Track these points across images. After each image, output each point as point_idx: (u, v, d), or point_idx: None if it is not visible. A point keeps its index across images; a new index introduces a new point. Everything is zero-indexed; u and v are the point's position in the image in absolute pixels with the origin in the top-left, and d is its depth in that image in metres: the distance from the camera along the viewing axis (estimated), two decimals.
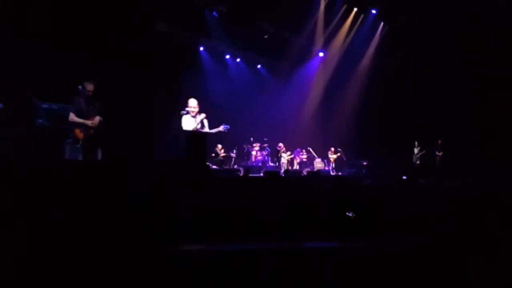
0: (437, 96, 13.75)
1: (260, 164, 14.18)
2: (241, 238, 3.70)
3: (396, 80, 14.44)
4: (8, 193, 3.28)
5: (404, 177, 9.55)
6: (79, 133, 6.27)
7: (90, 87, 6.38)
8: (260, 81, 16.88)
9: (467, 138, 12.57)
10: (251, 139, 14.64)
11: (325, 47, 16.38)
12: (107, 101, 6.50)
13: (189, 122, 7.55)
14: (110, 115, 6.50)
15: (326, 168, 15.60)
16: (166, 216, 3.79)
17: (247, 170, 10.82)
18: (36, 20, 7.49)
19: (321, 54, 16.97)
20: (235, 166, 13.19)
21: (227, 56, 15.75)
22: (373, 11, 15.00)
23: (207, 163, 8.04)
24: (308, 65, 17.24)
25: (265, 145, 14.83)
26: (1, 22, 7.04)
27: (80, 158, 6.19)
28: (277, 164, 14.73)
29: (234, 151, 13.95)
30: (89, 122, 6.32)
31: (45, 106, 7.10)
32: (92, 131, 6.36)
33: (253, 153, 14.65)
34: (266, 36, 14.57)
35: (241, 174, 10.89)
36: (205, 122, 7.68)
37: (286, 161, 15.09)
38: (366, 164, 14.16)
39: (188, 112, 7.57)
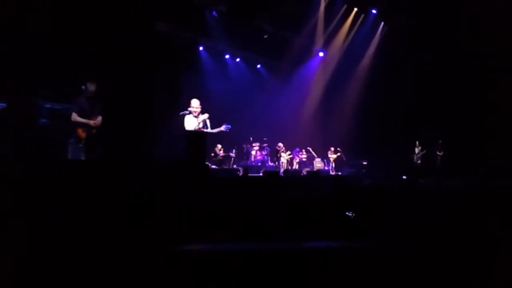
0: (437, 96, 13.75)
1: (259, 164, 14.18)
2: (240, 238, 3.70)
3: (396, 80, 14.44)
4: (8, 193, 3.28)
5: (404, 177, 9.55)
6: (81, 132, 6.35)
7: (92, 87, 6.45)
8: (259, 81, 16.87)
9: (467, 138, 12.56)
10: (251, 138, 14.64)
11: (325, 47, 16.37)
12: (107, 101, 6.53)
13: (192, 122, 7.63)
14: (110, 115, 6.53)
15: (326, 168, 15.59)
16: (166, 216, 3.79)
17: (246, 170, 10.82)
18: (36, 20, 7.51)
19: (321, 54, 16.96)
20: (235, 166, 13.19)
21: (227, 56, 15.74)
22: (373, 11, 14.99)
23: (207, 163, 8.05)
24: (308, 65, 17.23)
25: (265, 145, 14.83)
26: (1, 22, 7.05)
27: (83, 158, 6.25)
28: (276, 164, 14.73)
29: (234, 150, 13.95)
30: (91, 122, 6.39)
31: (48, 106, 7.17)
32: (94, 130, 6.43)
33: (253, 152, 14.65)
34: (266, 36, 14.55)
35: (240, 174, 10.90)
36: (207, 122, 7.75)
37: (285, 161, 15.09)
38: (365, 164, 14.16)
39: (190, 112, 7.65)
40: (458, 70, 12.81)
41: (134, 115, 7.16)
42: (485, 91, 12.04)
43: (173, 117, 8.38)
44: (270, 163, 14.77)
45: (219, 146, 13.08)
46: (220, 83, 14.55)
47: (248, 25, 13.75)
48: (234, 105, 14.14)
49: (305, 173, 12.84)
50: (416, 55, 13.80)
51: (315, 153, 15.98)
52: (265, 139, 14.84)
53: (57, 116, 7.06)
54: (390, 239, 3.74)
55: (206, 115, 7.73)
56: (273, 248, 3.16)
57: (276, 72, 16.80)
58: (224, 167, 12.73)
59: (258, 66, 17.03)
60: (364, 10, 15.05)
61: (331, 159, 15.87)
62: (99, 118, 6.45)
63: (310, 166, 15.56)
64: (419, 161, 14.24)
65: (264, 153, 14.77)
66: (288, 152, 15.38)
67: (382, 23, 15.61)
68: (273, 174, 9.50)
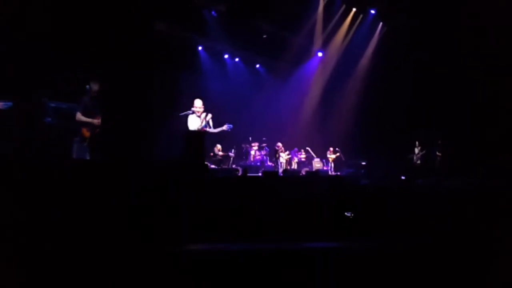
0: (437, 96, 13.74)
1: (258, 163, 14.17)
2: (240, 238, 3.70)
3: (395, 80, 14.43)
4: (8, 192, 3.27)
5: (403, 177, 9.55)
6: (85, 132, 6.42)
7: (96, 86, 6.50)
8: (258, 80, 16.86)
9: (467, 138, 12.56)
10: (250, 138, 14.63)
11: (324, 47, 16.36)
12: (107, 101, 6.54)
13: (195, 122, 7.79)
14: (110, 115, 6.54)
15: (325, 168, 15.60)
16: (165, 216, 3.78)
17: (246, 169, 10.82)
18: (36, 20, 7.52)
19: (320, 54, 16.95)
20: (234, 166, 13.19)
21: (226, 56, 15.72)
22: (372, 11, 15.00)
23: (206, 163, 8.06)
24: (307, 65, 17.22)
25: (264, 144, 14.82)
26: (1, 22, 7.07)
27: (87, 157, 6.33)
28: (275, 163, 14.73)
29: (233, 150, 13.93)
30: (95, 121, 6.45)
31: (53, 105, 7.23)
32: (98, 130, 6.47)
33: (252, 152, 14.64)
34: (265, 36, 14.55)
35: (239, 174, 10.90)
36: (210, 121, 7.92)
37: (284, 161, 15.08)
38: (364, 164, 14.17)
39: (194, 112, 7.82)
40: (458, 70, 12.80)
41: (134, 115, 7.18)
42: (485, 91, 12.03)
43: (173, 117, 8.43)
44: (269, 163, 14.76)
45: (218, 146, 13.07)
46: (219, 83, 14.53)
47: (247, 25, 13.74)
48: (233, 105, 14.11)
49: (304, 173, 12.84)
50: (415, 55, 13.79)
51: (314, 153, 15.98)
52: (264, 139, 14.84)
53: (63, 115, 7.12)
54: (389, 239, 3.74)
55: (209, 115, 7.90)
56: (273, 248, 3.16)
57: (275, 72, 16.80)
58: (223, 167, 12.72)
59: (257, 66, 17.02)
60: (362, 10, 15.05)
61: (330, 159, 15.87)
62: None
63: (309, 166, 15.56)
64: (418, 161, 14.24)
65: (263, 153, 14.76)
66: (287, 152, 15.38)
67: (381, 23, 15.61)
68: (272, 174, 9.51)
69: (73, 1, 7.90)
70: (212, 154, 12.69)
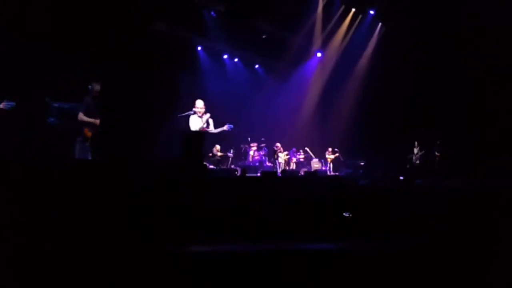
0: (436, 96, 13.74)
1: (257, 164, 14.15)
2: (239, 239, 3.69)
3: (394, 80, 14.43)
4: (9, 192, 3.26)
5: (401, 178, 9.54)
6: (87, 132, 6.49)
7: (98, 87, 6.54)
8: (258, 81, 16.86)
9: (467, 138, 12.56)
10: (249, 139, 14.62)
11: (323, 47, 16.37)
12: (107, 101, 6.57)
13: (196, 122, 7.95)
14: (110, 115, 6.56)
15: (324, 168, 15.59)
16: (165, 216, 3.77)
17: (244, 170, 10.80)
18: (36, 20, 7.55)
19: (319, 55, 16.96)
20: (233, 166, 13.18)
21: (225, 56, 15.72)
22: (371, 12, 15.00)
23: (205, 163, 8.06)
24: (306, 65, 17.23)
25: (263, 145, 14.80)
26: (1, 22, 7.09)
27: (89, 157, 6.40)
28: (273, 164, 14.71)
29: (232, 151, 13.92)
30: (97, 121, 6.48)
31: (56, 105, 7.28)
32: (100, 130, 6.47)
33: (251, 153, 14.62)
34: (264, 36, 14.55)
35: (238, 174, 10.88)
36: (210, 121, 8.04)
37: (283, 161, 15.07)
38: (363, 165, 14.17)
39: (195, 113, 7.98)
40: (457, 70, 12.80)
41: (133, 115, 7.17)
42: (485, 91, 12.03)
43: (172, 117, 8.48)
44: (268, 163, 14.75)
45: (217, 146, 13.06)
46: (218, 83, 14.53)
47: (246, 25, 13.74)
48: (232, 105, 14.11)
49: (302, 173, 12.83)
50: (414, 55, 13.80)
51: (313, 153, 15.98)
52: (263, 139, 14.83)
53: (65, 115, 7.19)
54: (387, 239, 3.74)
55: (208, 115, 8.07)
56: (272, 249, 3.15)
57: (274, 72, 16.80)
58: (222, 167, 12.71)
59: (256, 66, 17.02)
60: (362, 10, 15.07)
61: (329, 160, 15.87)
62: None
63: (308, 167, 15.55)
64: (418, 162, 14.24)
65: (262, 153, 14.75)
66: (286, 152, 15.37)
67: (380, 23, 15.63)
68: (271, 174, 9.49)
69: (73, 1, 7.92)
70: (211, 154, 12.67)
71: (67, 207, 3.40)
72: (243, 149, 14.60)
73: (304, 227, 4.25)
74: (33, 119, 7.45)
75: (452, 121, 13.10)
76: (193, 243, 3.04)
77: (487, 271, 2.84)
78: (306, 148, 16.05)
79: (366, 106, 15.62)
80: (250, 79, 16.40)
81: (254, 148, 14.66)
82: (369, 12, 15.05)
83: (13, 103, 6.00)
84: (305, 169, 14.59)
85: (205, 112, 8.03)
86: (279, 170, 13.67)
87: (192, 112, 7.93)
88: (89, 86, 6.51)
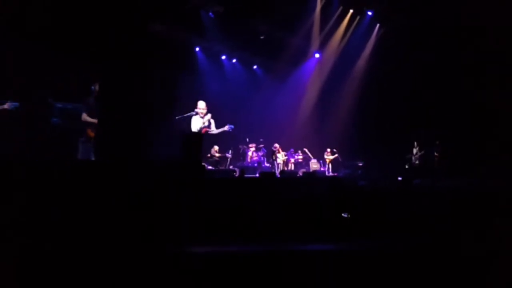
0: (435, 97, 13.75)
1: (255, 164, 14.14)
2: (238, 239, 3.68)
3: (392, 81, 14.45)
4: (9, 192, 3.25)
5: (400, 178, 9.55)
6: (90, 132, 6.53)
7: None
8: (256, 81, 16.86)
9: (467, 138, 12.57)
10: (247, 139, 14.60)
11: (321, 48, 16.38)
12: (106, 101, 6.58)
13: (198, 123, 8.14)
14: (109, 115, 6.57)
15: (322, 169, 15.59)
16: (165, 217, 3.76)
17: (243, 170, 10.80)
18: (36, 20, 7.56)
19: (317, 55, 16.97)
20: (231, 167, 13.16)
21: (223, 57, 15.72)
22: (369, 13, 15.02)
23: (203, 164, 8.06)
24: (304, 66, 17.25)
25: (261, 145, 14.79)
26: (1, 22, 7.11)
27: (92, 157, 6.42)
28: (272, 164, 14.70)
29: (230, 151, 13.90)
30: None
31: (59, 105, 7.33)
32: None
33: (249, 153, 14.60)
34: (262, 37, 14.56)
35: (236, 175, 10.86)
36: (212, 122, 8.16)
37: (281, 162, 15.06)
38: (361, 165, 14.18)
39: (197, 113, 8.19)
40: (457, 70, 12.81)
41: (133, 115, 7.17)
42: (485, 91, 12.03)
43: (172, 117, 8.54)
44: (266, 164, 14.73)
45: (216, 147, 13.05)
46: (216, 84, 14.53)
47: (244, 26, 13.74)
48: (230, 106, 14.11)
49: (301, 174, 12.82)
50: (412, 56, 13.81)
51: (311, 154, 15.98)
52: (261, 140, 14.81)
53: (68, 116, 7.24)
54: (388, 240, 3.73)
55: (209, 115, 8.29)
56: (272, 249, 3.14)
57: (273, 73, 16.80)
58: (221, 168, 12.70)
59: (255, 67, 17.03)
60: (360, 11, 15.09)
61: (328, 160, 15.86)
62: None
63: (306, 167, 15.55)
64: (417, 162, 14.24)
65: (260, 154, 14.73)
66: (284, 153, 15.37)
67: (378, 24, 15.65)
68: (269, 175, 9.48)
69: (73, 1, 7.93)
70: (209, 155, 12.66)
71: (67, 207, 3.39)
72: (242, 149, 14.58)
73: (303, 227, 4.24)
74: (37, 120, 7.49)
75: (452, 121, 13.11)
76: (192, 244, 3.03)
77: (487, 271, 2.83)
78: (304, 149, 16.05)
79: (364, 106, 15.64)
80: (248, 79, 16.40)
81: (253, 148, 14.64)
82: (367, 13, 15.07)
83: (17, 104, 6.04)
84: (304, 170, 14.58)
85: (207, 113, 8.15)
86: (277, 171, 13.67)
87: (194, 113, 8.05)
88: (92, 87, 6.54)
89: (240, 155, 14.60)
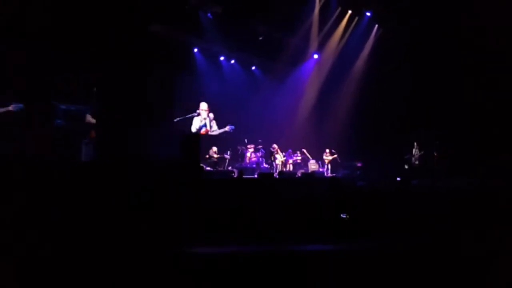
0: (435, 97, 13.76)
1: (254, 165, 14.13)
2: (237, 239, 3.67)
3: (391, 81, 14.47)
4: (10, 192, 3.24)
5: (398, 179, 9.56)
6: (94, 133, 6.46)
7: None
8: (254, 82, 16.84)
9: (467, 138, 12.58)
10: (245, 140, 14.58)
11: (320, 49, 16.40)
12: (106, 101, 6.59)
13: (198, 123, 8.03)
14: (109, 115, 6.59)
15: (321, 170, 15.59)
16: (164, 217, 3.75)
17: (241, 171, 10.78)
18: (36, 20, 7.57)
19: (315, 56, 16.98)
20: (229, 168, 13.15)
21: (222, 58, 15.70)
22: (368, 14, 15.05)
23: (201, 165, 8.07)
24: (303, 67, 17.24)
25: (260, 146, 14.78)
26: (1, 22, 7.11)
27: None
28: (270, 165, 14.69)
29: (229, 152, 13.88)
30: None
31: (63, 107, 7.37)
32: None
33: (248, 154, 14.59)
34: (260, 38, 14.56)
35: (235, 176, 10.86)
36: (214, 123, 8.19)
37: (280, 162, 15.06)
38: (360, 166, 14.18)
39: (199, 114, 8.08)
40: (456, 70, 12.82)
41: (133, 115, 7.20)
42: (484, 91, 12.05)
43: (171, 117, 8.54)
44: (265, 165, 14.72)
45: (214, 148, 13.01)
46: (215, 84, 14.49)
47: (243, 27, 13.74)
48: (229, 106, 14.08)
49: (299, 174, 12.82)
50: (410, 57, 13.83)
51: (310, 154, 15.97)
52: (259, 140, 14.79)
53: (72, 117, 7.28)
54: (386, 240, 3.73)
55: (211, 116, 8.19)
56: (271, 250, 3.14)
57: (271, 73, 16.79)
58: (219, 169, 12.68)
59: (253, 67, 17.01)
60: (358, 12, 15.12)
61: (326, 161, 15.86)
62: None
63: (305, 168, 15.54)
64: (417, 162, 14.24)
65: (259, 154, 14.71)
66: (283, 154, 15.36)
67: (376, 25, 15.67)
68: (268, 176, 9.49)
69: (73, 1, 7.94)
70: (207, 156, 12.64)
71: (67, 207, 3.38)
72: (240, 150, 14.56)
73: (302, 228, 4.24)
74: (41, 121, 7.52)
75: (451, 121, 13.13)
76: (192, 244, 3.02)
77: (487, 271, 2.83)
78: (303, 150, 16.04)
79: (363, 107, 15.65)
80: (247, 80, 16.38)
81: (251, 149, 14.62)
82: (365, 14, 15.11)
83: (21, 105, 6.08)
84: (302, 171, 14.58)
85: (208, 114, 8.22)
86: (275, 172, 13.66)
87: (196, 114, 8.10)
88: (95, 89, 6.58)
89: (239, 156, 14.58)
